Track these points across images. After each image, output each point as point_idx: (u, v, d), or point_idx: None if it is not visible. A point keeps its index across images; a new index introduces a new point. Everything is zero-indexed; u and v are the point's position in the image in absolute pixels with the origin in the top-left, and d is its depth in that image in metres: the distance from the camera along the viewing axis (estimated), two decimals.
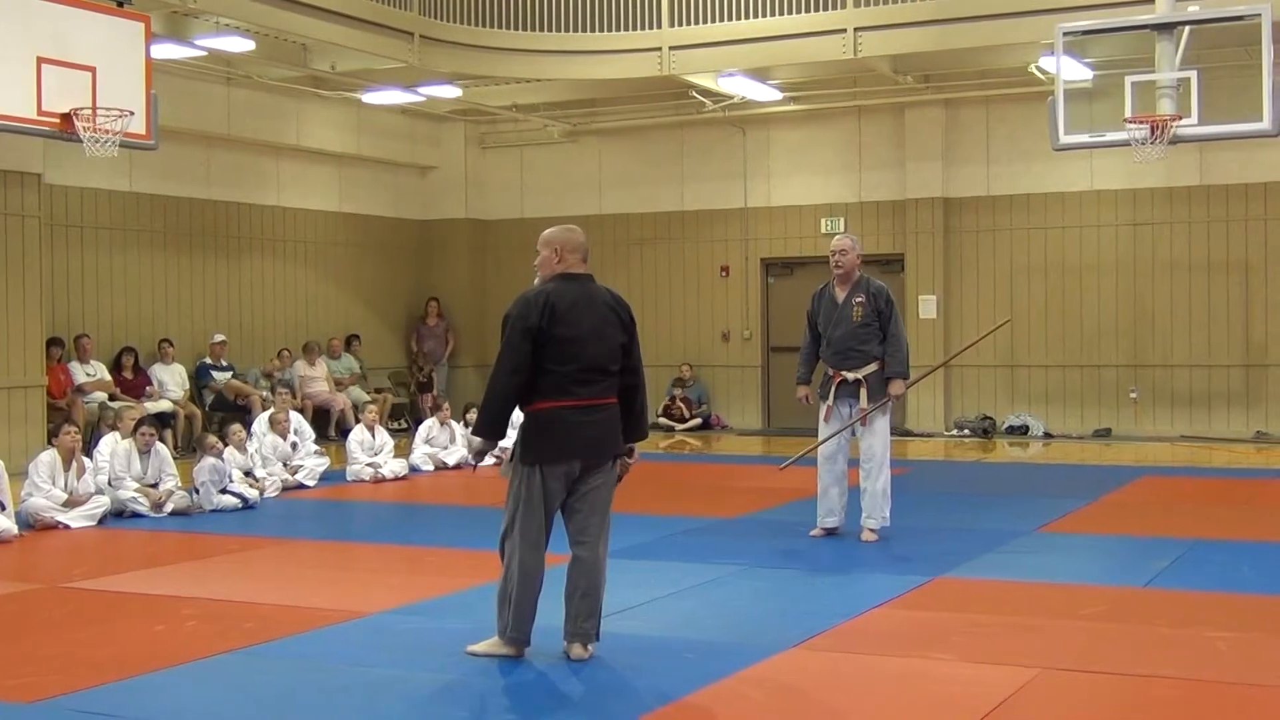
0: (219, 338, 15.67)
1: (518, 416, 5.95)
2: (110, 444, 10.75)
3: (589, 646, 5.96)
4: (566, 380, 5.82)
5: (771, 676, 5.69)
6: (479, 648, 6.02)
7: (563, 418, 5.83)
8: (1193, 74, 11.35)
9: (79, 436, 10.36)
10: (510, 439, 6.03)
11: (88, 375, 14.21)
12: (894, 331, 8.89)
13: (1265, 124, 11.09)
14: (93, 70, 10.76)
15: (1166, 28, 11.47)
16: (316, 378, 16.40)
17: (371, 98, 16.73)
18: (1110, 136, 11.87)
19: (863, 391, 8.80)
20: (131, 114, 10.90)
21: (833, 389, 8.85)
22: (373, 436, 12.99)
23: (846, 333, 8.83)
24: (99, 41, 10.91)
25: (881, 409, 8.84)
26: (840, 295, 8.87)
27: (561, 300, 5.85)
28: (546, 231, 6.07)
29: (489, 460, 6.79)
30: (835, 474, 8.88)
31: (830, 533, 8.92)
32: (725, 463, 14.76)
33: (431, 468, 13.33)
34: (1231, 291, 15.93)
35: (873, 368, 8.85)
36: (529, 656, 5.97)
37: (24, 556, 8.91)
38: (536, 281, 6.04)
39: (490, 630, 6.06)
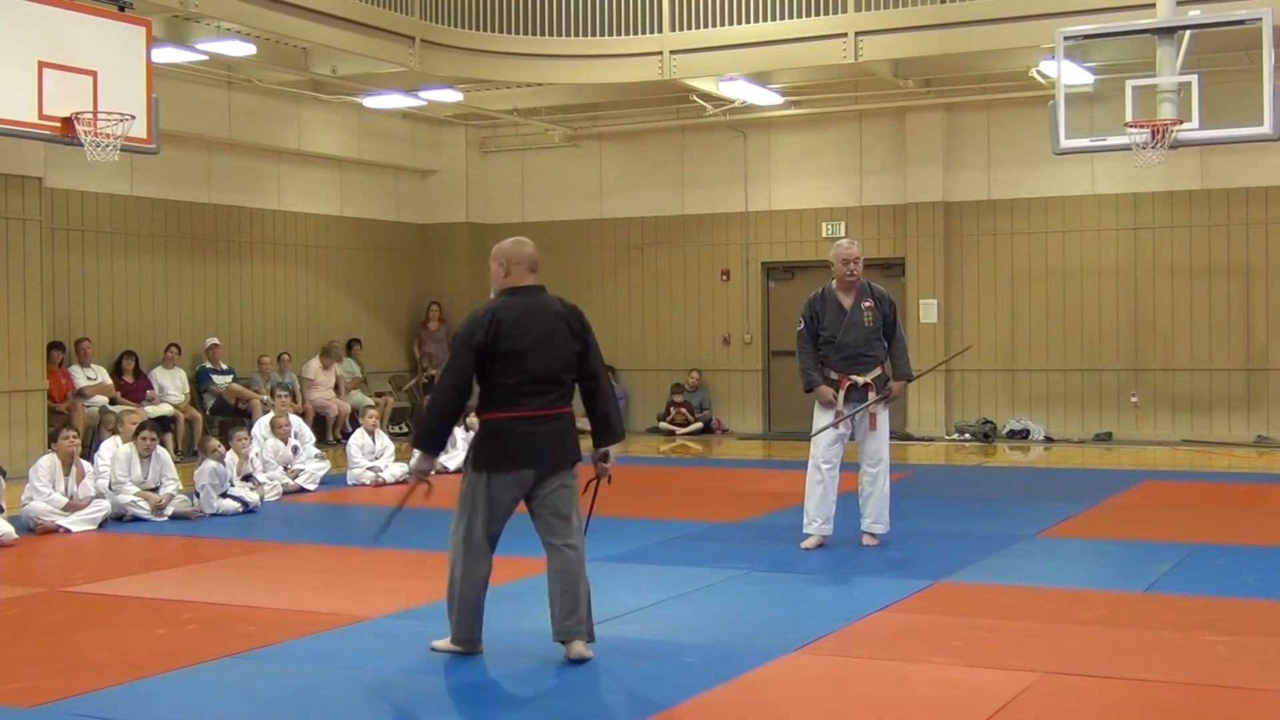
0: (212, 341, 15.67)
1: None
2: (111, 448, 10.76)
3: (587, 645, 5.97)
4: (515, 393, 5.94)
5: (772, 681, 5.68)
6: (440, 645, 6.13)
7: (512, 428, 5.95)
8: (1193, 78, 11.35)
9: (78, 440, 10.36)
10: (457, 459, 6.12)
11: (88, 379, 14.21)
12: (899, 335, 8.98)
13: (1266, 128, 11.09)
14: (94, 74, 10.77)
15: (1167, 32, 11.48)
16: (324, 384, 16.39)
17: (372, 102, 16.73)
18: (1111, 140, 11.88)
19: (871, 396, 8.80)
20: (132, 118, 10.91)
21: (841, 394, 8.81)
22: (373, 440, 12.99)
23: (859, 337, 8.80)
24: (100, 46, 10.91)
25: (883, 404, 8.83)
26: (846, 301, 8.83)
27: (508, 315, 6.00)
28: (496, 245, 6.24)
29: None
30: (835, 479, 8.84)
31: (823, 541, 8.83)
32: (726, 467, 14.77)
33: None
34: (1232, 295, 15.93)
35: (878, 371, 8.85)
36: (530, 661, 5.97)
37: (24, 560, 8.90)
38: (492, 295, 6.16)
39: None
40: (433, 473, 6.14)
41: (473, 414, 6.19)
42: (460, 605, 6.02)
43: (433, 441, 6.07)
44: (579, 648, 5.94)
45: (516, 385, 5.94)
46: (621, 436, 6.36)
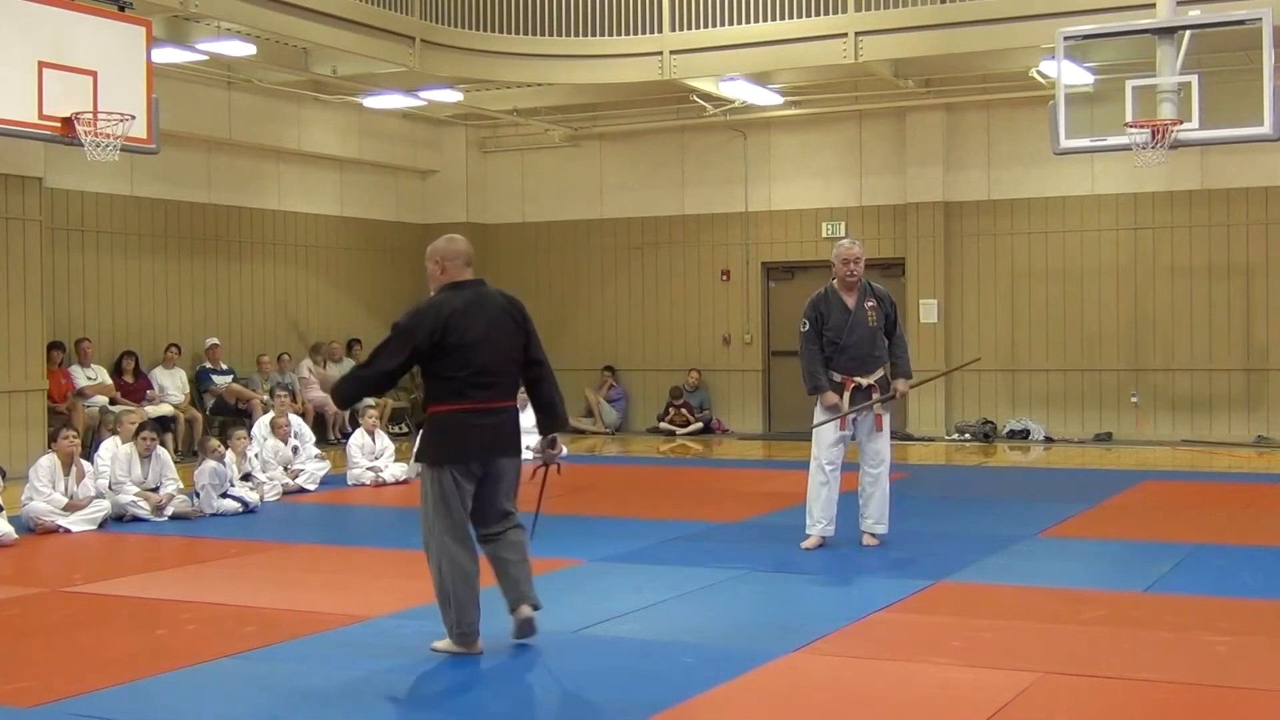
0: (212, 341, 15.67)
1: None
2: (111, 448, 10.76)
3: (536, 607, 6.14)
4: (463, 385, 6.05)
5: (772, 681, 5.68)
6: (441, 645, 6.14)
7: (462, 420, 6.06)
8: (1193, 78, 11.34)
9: (77, 440, 10.36)
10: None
11: (88, 379, 14.21)
12: (901, 333, 9.00)
13: (1266, 128, 11.08)
14: (94, 74, 10.77)
15: (1167, 32, 11.47)
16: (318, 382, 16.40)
17: (372, 102, 16.73)
18: (1111, 141, 11.87)
19: (875, 397, 8.79)
20: (132, 118, 10.91)
21: (846, 396, 8.79)
22: (373, 440, 12.99)
23: (864, 338, 8.76)
24: (100, 46, 10.91)
25: (885, 404, 8.82)
26: (850, 301, 8.80)
27: (452, 310, 6.09)
28: (430, 245, 6.37)
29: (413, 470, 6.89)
30: (838, 479, 8.83)
31: (824, 542, 8.82)
32: (726, 467, 14.77)
33: None
34: (1232, 296, 15.93)
35: (881, 373, 8.85)
36: (530, 661, 5.97)
37: (24, 560, 8.90)
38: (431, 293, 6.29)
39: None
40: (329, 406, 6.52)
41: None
42: (457, 600, 6.05)
43: (343, 404, 6.61)
44: (527, 610, 6.11)
45: (466, 378, 6.05)
46: (564, 424, 6.55)
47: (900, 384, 8.90)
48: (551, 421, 6.38)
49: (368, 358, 6.23)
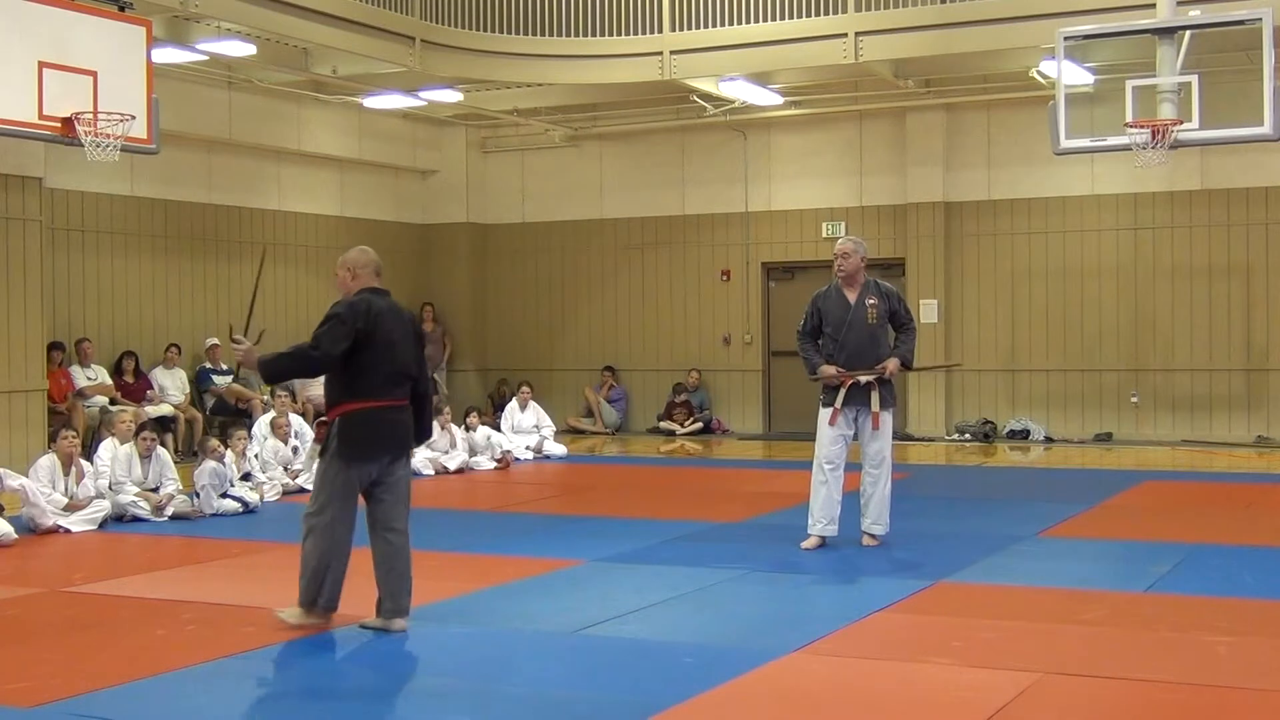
0: (212, 341, 15.67)
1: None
2: (110, 448, 10.75)
3: (408, 619, 6.54)
4: (382, 381, 6.46)
5: (772, 681, 5.68)
6: (291, 617, 6.57)
7: (378, 417, 6.47)
8: (1193, 78, 11.34)
9: (77, 441, 10.36)
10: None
11: (88, 379, 14.21)
12: (912, 326, 8.98)
13: (1266, 128, 11.08)
14: (94, 74, 10.76)
15: (1167, 32, 11.47)
16: (318, 381, 16.38)
17: (372, 102, 16.74)
18: (1111, 141, 11.87)
19: (874, 395, 8.76)
20: (133, 118, 10.90)
21: (841, 394, 8.78)
22: None
23: (861, 335, 8.77)
24: (100, 46, 10.91)
25: (885, 400, 8.79)
26: (851, 297, 8.82)
27: (379, 310, 6.50)
28: (341, 256, 6.74)
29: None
30: (840, 480, 8.83)
31: (824, 542, 8.84)
32: (726, 467, 14.76)
33: (431, 472, 13.33)
34: (1233, 296, 15.93)
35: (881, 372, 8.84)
36: (529, 660, 5.97)
37: (24, 560, 8.90)
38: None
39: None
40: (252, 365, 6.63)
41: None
42: (332, 577, 6.55)
43: (273, 376, 6.67)
44: (401, 623, 6.50)
45: (386, 375, 6.46)
46: (427, 438, 7.09)
47: (890, 363, 8.77)
48: (420, 436, 6.83)
49: (312, 340, 6.45)
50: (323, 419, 6.67)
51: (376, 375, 6.42)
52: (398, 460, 6.61)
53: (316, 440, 6.87)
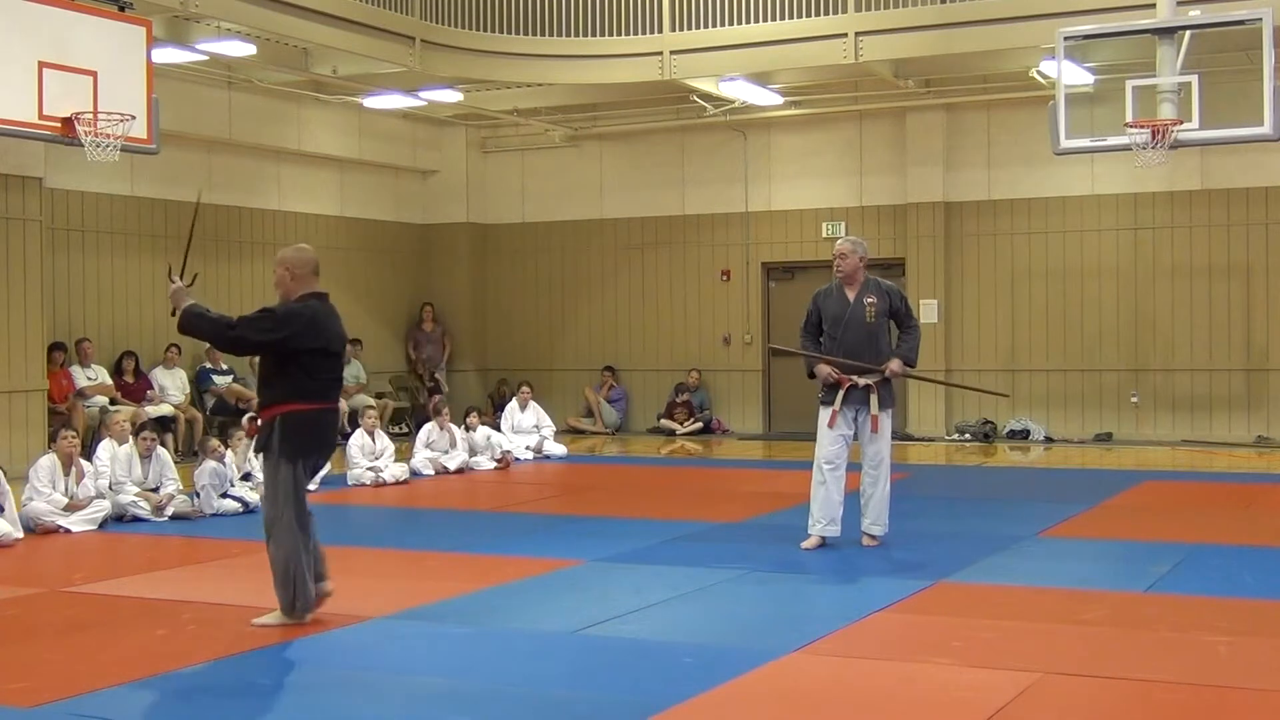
0: None
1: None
2: (110, 448, 10.75)
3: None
4: (326, 385, 6.67)
5: (772, 681, 5.68)
6: (271, 620, 6.61)
7: (321, 419, 6.67)
8: (1193, 78, 11.35)
9: (77, 441, 10.36)
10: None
11: (89, 379, 14.21)
12: (914, 324, 8.95)
13: (1266, 128, 11.09)
14: (94, 75, 10.77)
15: (1167, 32, 11.47)
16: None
17: (372, 102, 16.74)
18: (1111, 141, 11.87)
19: (872, 398, 8.74)
20: (133, 118, 10.91)
21: (840, 394, 8.76)
22: (373, 441, 12.99)
23: (858, 334, 8.74)
24: (100, 46, 10.91)
25: (884, 400, 8.78)
26: (850, 295, 8.81)
27: (326, 317, 6.67)
28: (279, 253, 6.80)
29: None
30: (840, 480, 8.82)
31: (824, 542, 8.83)
32: (726, 467, 14.77)
33: (432, 472, 13.33)
34: (1233, 296, 15.93)
35: (880, 375, 8.82)
36: (529, 660, 5.97)
37: (25, 560, 8.90)
38: (278, 298, 6.70)
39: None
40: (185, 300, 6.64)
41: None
42: (300, 578, 6.56)
43: (186, 325, 6.58)
44: (329, 586, 6.72)
45: (328, 380, 6.67)
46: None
47: (894, 363, 8.75)
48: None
49: (236, 319, 6.60)
50: (253, 416, 6.77)
51: (322, 379, 6.61)
52: (324, 460, 6.94)
53: (248, 435, 6.96)
